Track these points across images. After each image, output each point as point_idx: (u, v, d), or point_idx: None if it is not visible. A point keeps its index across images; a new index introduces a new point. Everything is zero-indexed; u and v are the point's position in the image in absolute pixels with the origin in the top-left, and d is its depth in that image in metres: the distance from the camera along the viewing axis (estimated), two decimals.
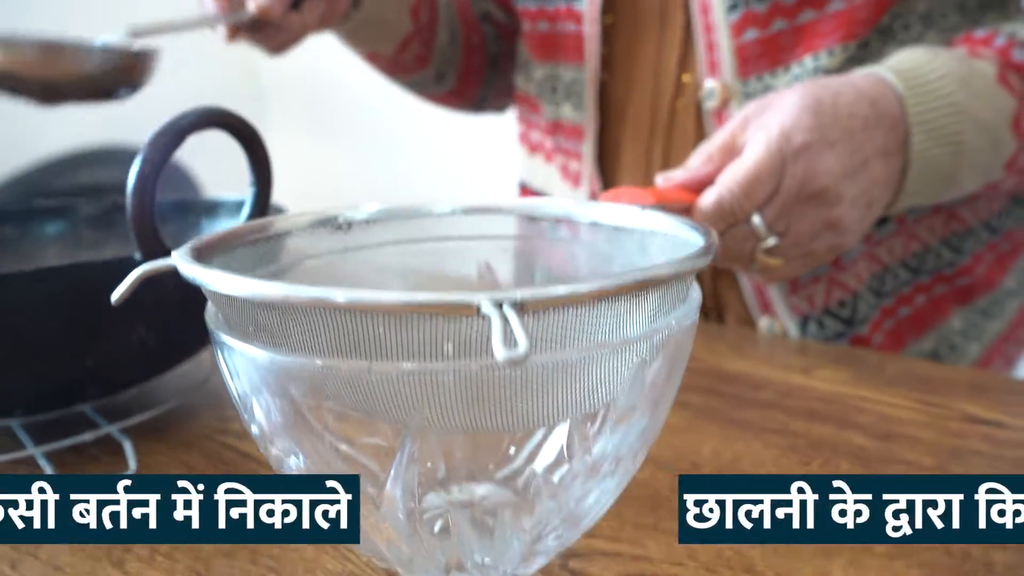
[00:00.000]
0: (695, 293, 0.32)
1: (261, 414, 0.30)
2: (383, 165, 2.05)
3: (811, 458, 0.44)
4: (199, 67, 1.63)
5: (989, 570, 0.35)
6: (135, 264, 0.42)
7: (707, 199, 0.50)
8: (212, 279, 0.28)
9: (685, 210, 0.51)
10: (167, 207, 0.66)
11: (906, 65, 0.55)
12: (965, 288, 0.67)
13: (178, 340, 0.47)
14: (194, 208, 0.63)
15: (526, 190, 0.80)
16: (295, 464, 0.30)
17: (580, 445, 0.30)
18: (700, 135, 0.64)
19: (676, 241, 0.35)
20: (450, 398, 0.27)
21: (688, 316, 0.30)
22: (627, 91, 0.68)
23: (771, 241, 0.51)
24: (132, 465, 0.44)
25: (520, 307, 0.24)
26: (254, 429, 0.31)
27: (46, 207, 0.63)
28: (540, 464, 0.34)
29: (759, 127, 0.51)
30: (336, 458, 0.29)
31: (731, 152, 0.52)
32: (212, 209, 0.62)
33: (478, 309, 0.24)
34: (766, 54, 0.61)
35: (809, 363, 0.57)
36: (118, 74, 0.62)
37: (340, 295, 0.25)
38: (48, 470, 0.43)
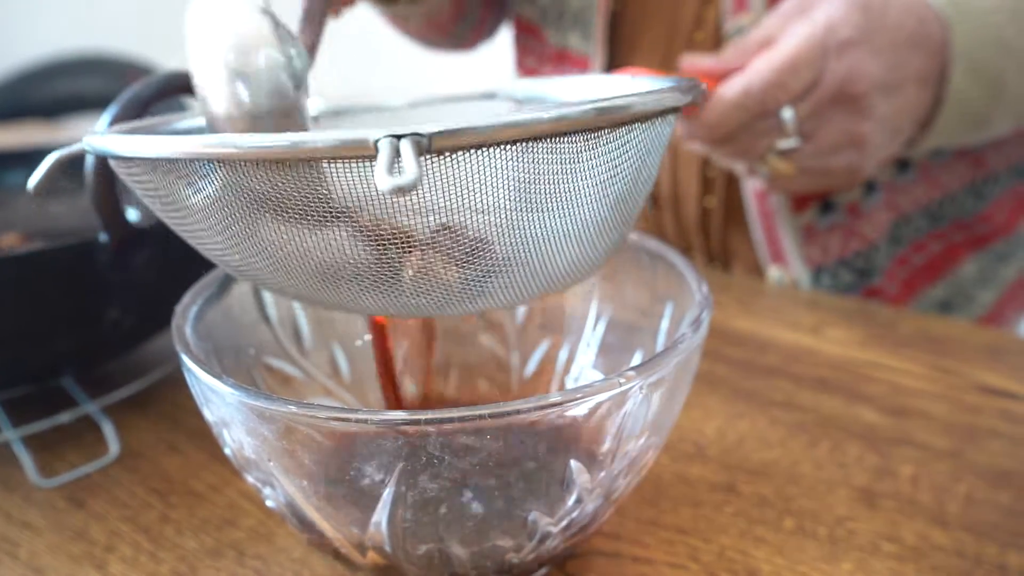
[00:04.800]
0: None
1: (234, 446, 0.28)
2: (379, 75, 1.96)
3: (819, 438, 0.43)
4: None
5: (1003, 573, 0.34)
6: (102, 247, 0.39)
7: (732, 87, 0.46)
8: (112, 144, 0.26)
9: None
10: None
11: None
12: (982, 234, 0.64)
13: (153, 315, 0.44)
14: None
15: None
16: (271, 494, 0.28)
17: None
18: None
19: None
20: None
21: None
22: (641, 20, 0.63)
23: (792, 143, 0.48)
24: (113, 448, 0.42)
25: (427, 144, 0.21)
26: (227, 451, 0.29)
27: (14, 153, 0.59)
28: None
29: (802, 20, 0.47)
30: (312, 497, 0.27)
31: (769, 47, 0.48)
32: None
33: (376, 147, 0.21)
34: None
35: (819, 320, 0.55)
36: None
37: (225, 143, 0.23)
38: (24, 457, 0.41)
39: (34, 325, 0.40)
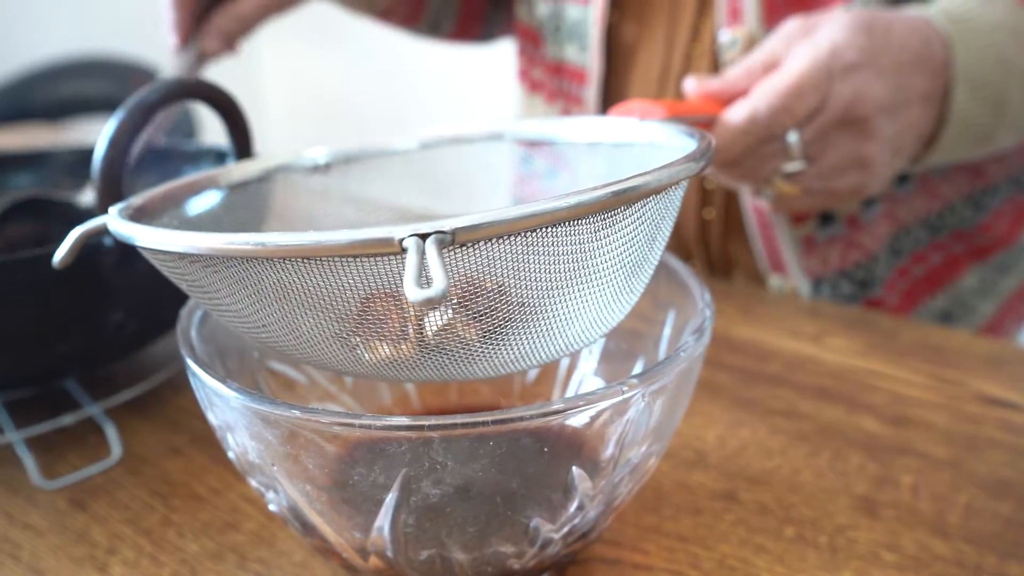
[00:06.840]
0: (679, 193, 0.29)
1: (237, 450, 0.28)
2: (381, 77, 1.97)
3: (819, 447, 0.43)
4: None
5: None
6: (107, 250, 0.39)
7: (737, 112, 0.46)
8: (137, 234, 0.26)
9: (706, 125, 0.47)
10: (146, 155, 0.63)
11: (958, 9, 0.50)
12: (983, 245, 0.64)
13: (157, 318, 0.44)
14: (174, 156, 0.60)
15: None
16: (273, 498, 0.28)
17: None
18: None
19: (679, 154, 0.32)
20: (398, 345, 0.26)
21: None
22: (638, 34, 0.63)
23: (797, 165, 0.48)
24: (116, 451, 0.43)
25: (450, 240, 0.22)
26: (231, 455, 0.29)
27: (17, 155, 0.60)
28: None
29: (806, 43, 0.47)
30: (315, 501, 0.27)
31: (773, 69, 0.48)
32: (195, 158, 0.59)
33: (401, 246, 0.21)
34: (795, 1, 0.56)
35: (820, 329, 0.55)
36: None
37: (251, 241, 0.23)
38: (27, 459, 0.41)
39: (38, 327, 0.40)
